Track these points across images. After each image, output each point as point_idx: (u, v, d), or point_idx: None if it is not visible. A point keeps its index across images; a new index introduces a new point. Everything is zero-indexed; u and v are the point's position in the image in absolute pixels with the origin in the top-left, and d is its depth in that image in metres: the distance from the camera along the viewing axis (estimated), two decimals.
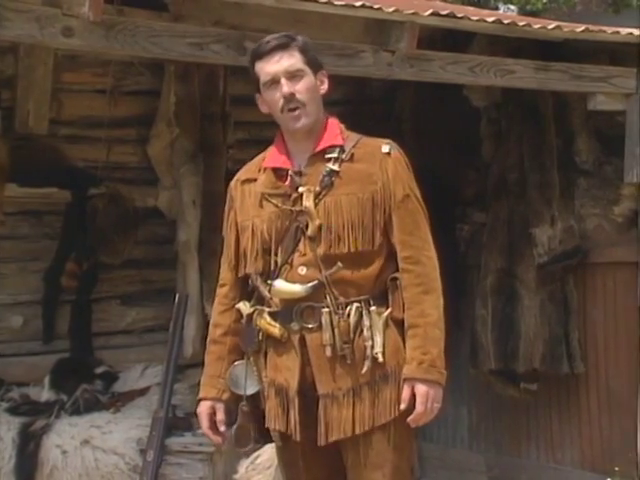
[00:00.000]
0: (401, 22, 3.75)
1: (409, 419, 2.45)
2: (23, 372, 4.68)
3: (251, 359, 2.55)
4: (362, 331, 2.45)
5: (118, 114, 4.97)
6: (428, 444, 5.29)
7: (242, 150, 5.33)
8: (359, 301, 2.46)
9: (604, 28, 4.27)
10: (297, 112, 2.49)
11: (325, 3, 3.52)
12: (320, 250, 2.45)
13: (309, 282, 2.43)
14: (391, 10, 3.66)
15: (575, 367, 4.84)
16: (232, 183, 2.65)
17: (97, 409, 4.42)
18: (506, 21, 4.02)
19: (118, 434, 4.22)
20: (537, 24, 4.21)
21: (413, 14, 3.71)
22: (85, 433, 4.20)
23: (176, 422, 4.29)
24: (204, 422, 2.60)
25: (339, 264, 2.43)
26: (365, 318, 2.45)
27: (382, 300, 2.49)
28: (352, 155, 2.52)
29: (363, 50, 3.77)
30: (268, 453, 3.90)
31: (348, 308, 2.45)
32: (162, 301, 4.99)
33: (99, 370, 4.69)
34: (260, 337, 2.51)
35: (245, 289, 2.59)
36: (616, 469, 4.68)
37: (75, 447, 4.16)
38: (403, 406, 2.44)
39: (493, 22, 3.95)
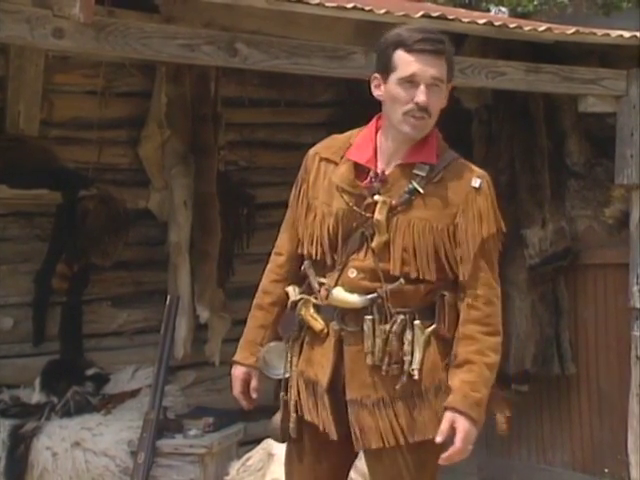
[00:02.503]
0: (392, 24, 3.74)
1: (443, 456, 2.40)
2: (13, 374, 4.66)
3: (289, 344, 2.51)
4: (403, 344, 2.39)
5: (109, 115, 4.96)
6: None
7: (233, 151, 5.35)
8: (404, 313, 2.39)
9: (594, 30, 4.28)
10: (420, 122, 2.37)
11: (316, 5, 3.52)
12: (382, 265, 2.38)
13: (367, 293, 2.38)
14: (382, 12, 3.66)
15: (566, 368, 4.85)
16: (310, 152, 2.54)
17: (88, 411, 4.41)
18: (497, 23, 4.03)
19: (109, 436, 4.21)
20: (528, 26, 4.22)
21: (404, 16, 3.71)
22: (76, 435, 4.19)
23: (167, 424, 4.28)
24: (237, 386, 2.56)
25: (401, 280, 2.37)
26: (408, 332, 2.39)
27: (427, 315, 2.42)
28: (441, 179, 2.41)
29: (354, 52, 3.77)
30: (259, 454, 3.89)
31: (393, 319, 2.39)
32: (153, 303, 4.98)
33: (90, 372, 4.68)
34: (300, 326, 2.46)
35: (299, 268, 2.53)
36: (606, 470, 4.70)
37: (66, 449, 4.15)
38: (439, 439, 2.38)
39: (484, 24, 3.96)
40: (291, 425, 2.47)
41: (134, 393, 4.59)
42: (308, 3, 3.50)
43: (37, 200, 4.75)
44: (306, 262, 2.48)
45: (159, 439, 4.16)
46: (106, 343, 5.02)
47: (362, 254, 2.41)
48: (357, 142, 2.49)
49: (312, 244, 2.46)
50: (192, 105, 4.94)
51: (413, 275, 2.39)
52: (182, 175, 4.92)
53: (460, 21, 3.92)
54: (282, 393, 2.50)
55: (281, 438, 2.53)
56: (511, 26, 4.07)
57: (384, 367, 2.38)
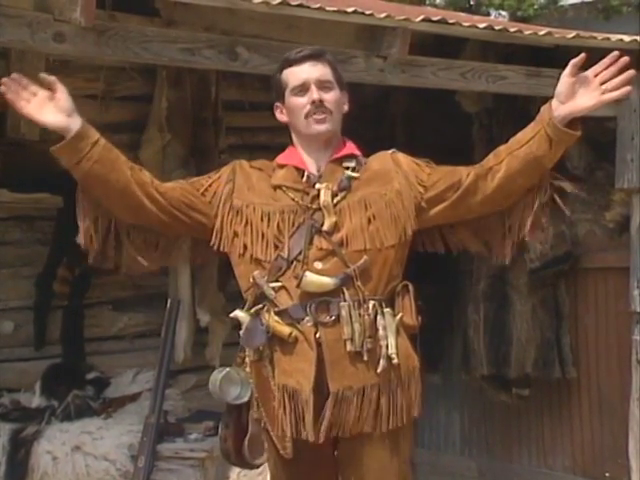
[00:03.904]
0: (393, 28, 3.75)
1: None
2: (14, 378, 4.66)
3: (243, 366, 2.48)
4: (378, 330, 2.41)
5: (110, 119, 4.95)
6: (420, 449, 5.29)
7: (234, 155, 5.34)
8: (374, 300, 2.42)
9: (595, 34, 4.28)
10: (323, 116, 2.49)
11: (317, 9, 3.52)
12: (340, 245, 2.42)
13: (336, 275, 2.39)
14: (383, 16, 3.66)
15: (567, 372, 4.86)
16: (237, 161, 2.60)
17: (88, 415, 4.41)
18: (497, 27, 4.03)
19: (109, 440, 4.20)
20: (528, 30, 4.22)
21: (405, 20, 3.71)
22: (76, 439, 4.18)
23: (167, 428, 4.27)
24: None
25: (366, 257, 2.41)
26: (380, 318, 2.42)
27: (391, 305, 2.46)
28: (367, 166, 2.54)
29: (355, 56, 3.78)
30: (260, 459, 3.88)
31: (365, 305, 2.40)
32: (154, 306, 4.98)
33: (90, 376, 4.68)
34: (266, 336, 2.41)
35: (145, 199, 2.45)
36: (607, 474, 4.70)
37: (66, 453, 4.14)
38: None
39: (484, 28, 3.95)
40: (288, 444, 2.40)
41: (135, 397, 4.59)
42: (309, 7, 3.50)
43: (38, 204, 4.76)
44: (255, 273, 2.43)
45: (159, 443, 4.15)
46: (107, 347, 5.02)
47: (318, 245, 2.42)
48: (283, 157, 2.57)
49: (262, 246, 2.44)
50: (193, 109, 4.94)
51: (372, 245, 2.42)
52: (183, 179, 4.91)
53: (460, 25, 3.92)
54: (252, 411, 2.45)
55: (256, 455, 2.48)
56: (511, 30, 4.07)
57: (365, 351, 2.38)
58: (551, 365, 4.84)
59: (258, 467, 2.58)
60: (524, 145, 2.49)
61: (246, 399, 2.47)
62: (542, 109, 2.51)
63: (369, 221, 2.45)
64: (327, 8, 3.54)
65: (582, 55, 2.45)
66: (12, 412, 4.44)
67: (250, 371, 2.46)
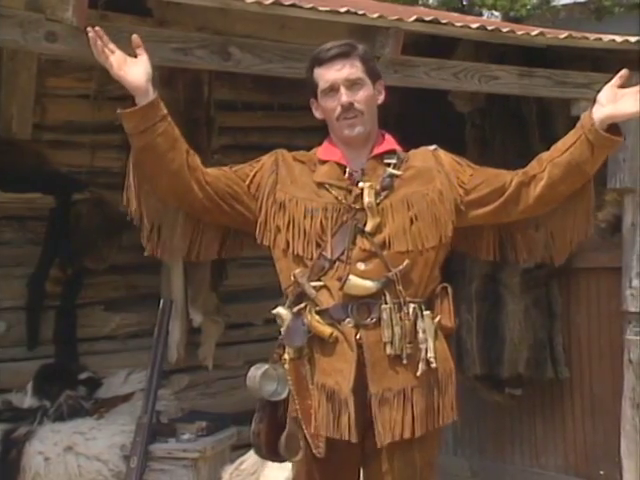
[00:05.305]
0: (385, 28, 3.76)
1: None
2: (6, 378, 4.65)
3: (280, 363, 2.45)
4: (417, 333, 2.42)
5: (102, 119, 4.95)
6: None
7: (227, 155, 5.34)
8: (414, 303, 2.43)
9: (587, 35, 4.29)
10: (353, 120, 2.47)
11: (310, 9, 3.52)
12: (382, 247, 2.42)
13: (378, 278, 2.39)
14: (375, 16, 3.66)
15: (559, 372, 4.87)
16: (279, 151, 2.56)
17: (80, 415, 4.40)
18: (490, 27, 4.03)
19: (102, 440, 4.20)
20: (521, 30, 4.22)
21: (397, 20, 3.71)
22: (68, 439, 4.18)
23: (160, 428, 4.26)
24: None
25: (407, 261, 2.41)
26: (420, 321, 2.43)
27: (430, 307, 2.47)
28: (408, 159, 2.54)
29: None
30: (253, 458, 3.88)
31: (405, 308, 2.41)
32: (146, 307, 4.97)
33: (83, 376, 4.67)
34: (307, 335, 2.41)
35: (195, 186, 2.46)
36: (601, 472, 4.71)
37: (58, 454, 4.13)
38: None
39: (477, 28, 3.96)
40: (321, 444, 2.40)
41: (127, 397, 4.58)
42: (301, 7, 3.50)
43: (30, 204, 4.74)
44: (297, 271, 2.43)
45: (152, 443, 4.15)
46: (99, 347, 5.01)
47: (361, 246, 2.42)
48: (323, 152, 2.55)
49: (300, 238, 2.44)
50: (185, 109, 4.93)
51: (414, 247, 2.43)
52: None
53: (453, 25, 3.92)
54: (291, 409, 2.43)
55: (294, 453, 2.44)
56: (504, 30, 4.08)
57: (404, 355, 2.39)
58: (544, 365, 4.85)
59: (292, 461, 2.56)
60: (565, 152, 2.49)
61: (284, 396, 2.45)
62: (582, 116, 2.50)
63: (411, 221, 2.45)
64: (320, 8, 3.54)
65: (626, 70, 2.48)
66: (4, 412, 4.43)
67: (288, 368, 2.44)
